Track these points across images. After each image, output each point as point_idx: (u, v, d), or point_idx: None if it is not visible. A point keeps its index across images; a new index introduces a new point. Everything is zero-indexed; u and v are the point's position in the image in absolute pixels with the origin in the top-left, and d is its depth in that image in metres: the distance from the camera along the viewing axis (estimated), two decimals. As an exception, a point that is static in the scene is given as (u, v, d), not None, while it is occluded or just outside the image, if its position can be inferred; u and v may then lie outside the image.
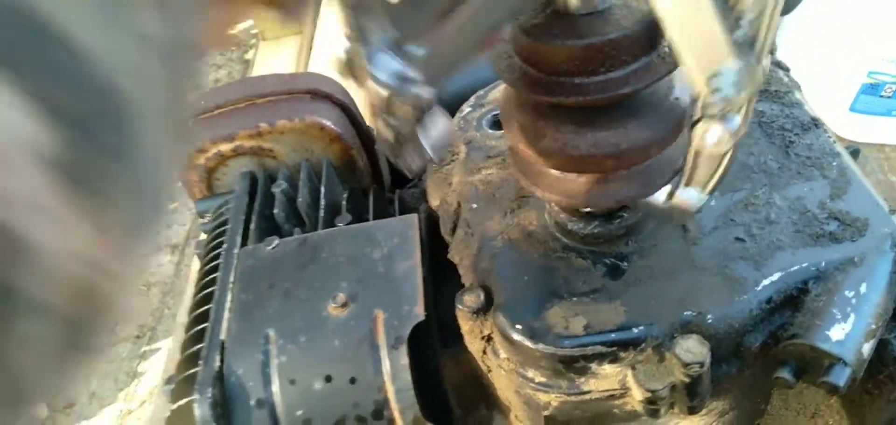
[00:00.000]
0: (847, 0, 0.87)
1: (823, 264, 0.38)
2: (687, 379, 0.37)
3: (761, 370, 0.40)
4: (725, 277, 0.38)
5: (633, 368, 0.38)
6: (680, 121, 0.34)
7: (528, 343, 0.39)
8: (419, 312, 0.43)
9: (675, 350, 0.37)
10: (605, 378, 0.40)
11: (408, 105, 0.28)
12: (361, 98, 0.60)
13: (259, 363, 0.44)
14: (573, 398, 0.41)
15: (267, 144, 0.53)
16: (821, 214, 0.40)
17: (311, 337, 0.44)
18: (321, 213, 0.50)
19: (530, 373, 0.41)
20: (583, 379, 0.40)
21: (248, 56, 2.46)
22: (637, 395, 0.39)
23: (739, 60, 0.28)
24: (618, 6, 0.31)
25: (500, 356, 0.43)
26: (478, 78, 0.56)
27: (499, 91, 0.55)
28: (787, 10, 0.95)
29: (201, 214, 0.54)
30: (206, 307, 0.48)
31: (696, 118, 0.30)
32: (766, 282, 0.38)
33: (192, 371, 0.45)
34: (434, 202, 0.50)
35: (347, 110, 0.55)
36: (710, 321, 0.37)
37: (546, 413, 0.43)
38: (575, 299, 0.40)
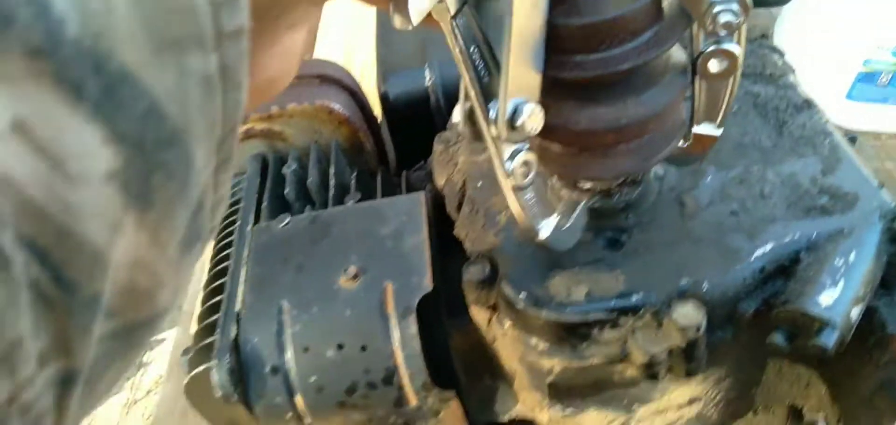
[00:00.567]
0: (843, -10, 0.89)
1: (814, 235, 0.40)
2: (684, 343, 0.39)
3: (755, 337, 0.42)
4: (721, 248, 0.40)
5: (633, 334, 0.40)
6: (679, 93, 0.36)
7: (532, 310, 0.41)
8: (427, 284, 0.45)
9: (673, 315, 0.39)
10: (606, 344, 0.41)
11: None
12: (367, 85, 0.62)
13: (273, 332, 0.46)
14: (575, 364, 0.43)
15: (277, 127, 0.55)
16: (812, 189, 0.41)
17: (323, 308, 0.46)
18: (331, 193, 0.52)
19: (534, 341, 0.43)
20: (584, 346, 0.41)
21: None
22: (637, 359, 0.41)
23: None
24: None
25: (504, 325, 0.45)
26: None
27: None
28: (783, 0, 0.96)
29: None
30: (220, 281, 0.50)
31: (697, 53, 0.32)
32: (759, 252, 0.39)
33: (209, 340, 0.47)
34: (440, 182, 0.51)
35: (355, 95, 0.57)
36: (705, 289, 0.39)
37: (549, 379, 0.45)
38: (576, 269, 0.41)
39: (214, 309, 0.49)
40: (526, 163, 0.34)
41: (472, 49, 0.32)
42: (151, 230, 0.18)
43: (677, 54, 0.36)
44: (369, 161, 0.61)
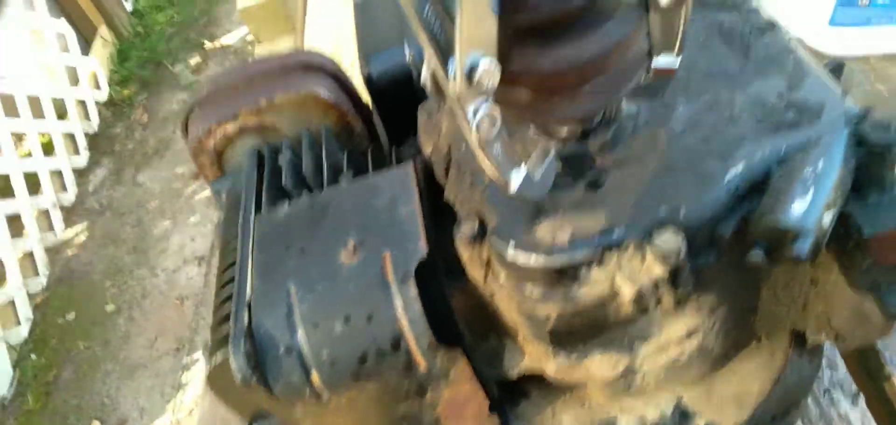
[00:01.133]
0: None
1: (784, 149, 0.41)
2: (667, 271, 0.41)
3: (739, 257, 0.43)
4: (695, 174, 0.42)
5: (620, 268, 0.42)
6: (635, 25, 0.37)
7: (521, 259, 0.43)
8: (422, 247, 0.47)
9: (654, 244, 0.40)
10: (596, 283, 0.43)
11: None
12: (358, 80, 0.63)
13: (283, 315, 0.48)
14: (570, 307, 0.45)
15: (268, 120, 0.57)
16: (779, 105, 0.43)
17: (327, 285, 0.48)
18: (325, 176, 0.54)
19: (528, 289, 0.45)
20: (576, 286, 0.43)
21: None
22: (626, 294, 0.43)
23: None
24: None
25: (500, 278, 0.47)
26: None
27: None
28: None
29: (216, 193, 0.59)
30: (230, 274, 0.52)
31: None
32: (731, 172, 0.41)
33: (224, 332, 0.50)
34: (427, 150, 0.53)
35: (339, 79, 0.59)
36: (683, 215, 0.41)
37: (549, 327, 0.47)
38: (560, 213, 0.43)
39: (227, 301, 0.51)
40: (490, 117, 0.36)
41: (426, 10, 0.34)
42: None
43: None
44: (360, 142, 0.63)
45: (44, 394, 2.19)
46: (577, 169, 0.45)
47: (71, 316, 2.40)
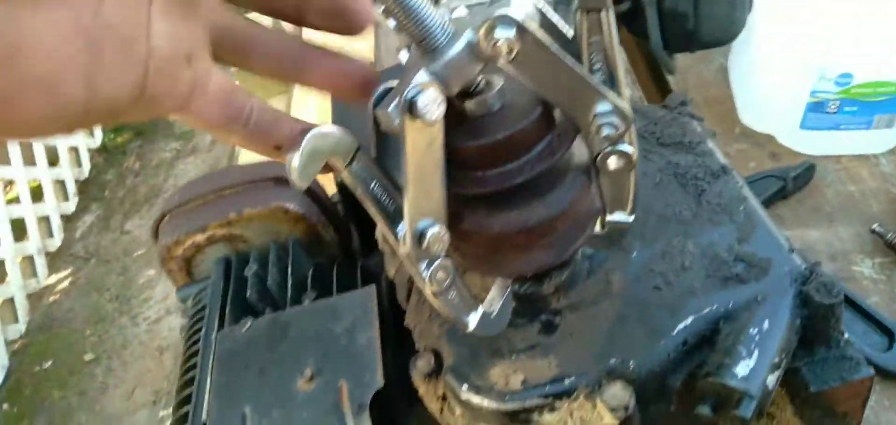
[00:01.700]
0: (785, 26, 0.92)
1: (731, 305, 0.42)
2: (617, 421, 0.41)
3: (689, 407, 0.43)
4: (645, 325, 0.42)
5: (571, 416, 0.42)
6: (583, 189, 0.38)
7: (475, 400, 0.43)
8: (379, 380, 0.47)
9: (603, 396, 0.41)
10: (548, 427, 0.43)
11: None
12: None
13: (238, 439, 0.48)
14: (523, 448, 0.45)
15: (237, 231, 0.58)
16: (729, 257, 0.44)
17: (283, 412, 0.48)
18: (289, 292, 0.54)
19: (483, 428, 0.45)
20: (528, 430, 0.43)
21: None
22: (577, 441, 0.43)
23: (606, 98, 0.33)
24: (511, 101, 0.36)
25: (455, 413, 0.47)
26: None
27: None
28: (727, 39, 1.00)
29: (183, 301, 0.59)
30: (188, 391, 0.52)
31: (596, 153, 0.36)
32: (680, 326, 0.41)
33: (179, 452, 0.50)
34: (391, 272, 0.54)
35: (310, 190, 0.60)
36: (632, 367, 0.41)
37: (503, 462, 0.46)
38: (514, 356, 0.44)
39: (183, 420, 0.51)
40: (443, 269, 0.36)
41: (372, 185, 0.35)
42: None
43: (579, 153, 0.39)
44: (331, 249, 0.63)
45: (14, 447, 2.14)
46: (531, 309, 0.45)
47: (48, 364, 2.36)
